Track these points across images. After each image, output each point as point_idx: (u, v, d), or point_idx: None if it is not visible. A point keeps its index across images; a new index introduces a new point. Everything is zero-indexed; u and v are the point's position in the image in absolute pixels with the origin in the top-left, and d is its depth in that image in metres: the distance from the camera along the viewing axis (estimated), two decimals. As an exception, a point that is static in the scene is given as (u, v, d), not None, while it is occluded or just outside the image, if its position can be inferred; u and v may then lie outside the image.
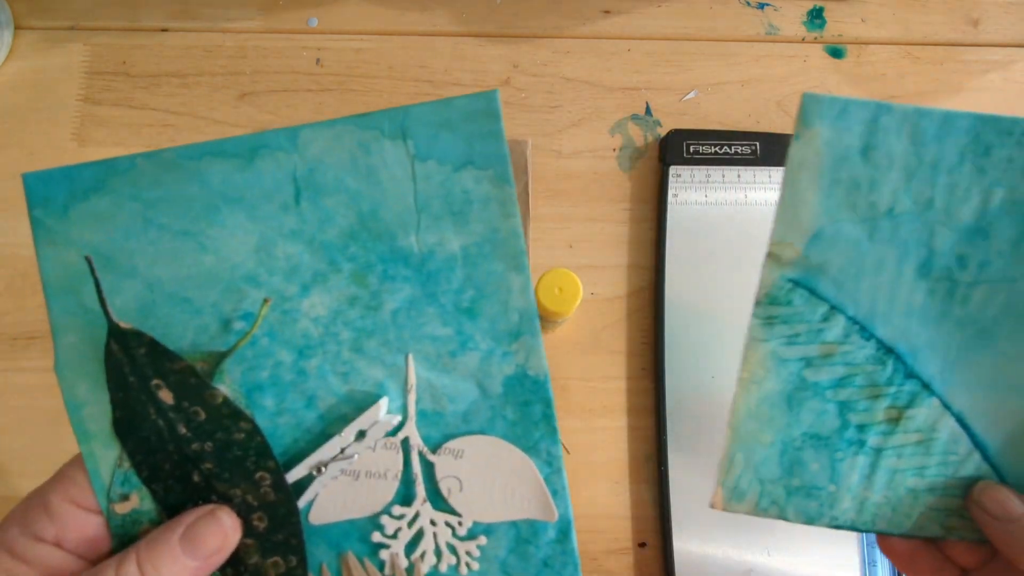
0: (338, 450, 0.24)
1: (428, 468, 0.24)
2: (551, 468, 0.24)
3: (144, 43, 0.51)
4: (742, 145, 0.47)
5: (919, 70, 0.51)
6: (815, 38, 0.51)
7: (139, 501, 0.23)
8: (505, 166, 0.23)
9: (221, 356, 0.23)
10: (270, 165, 0.22)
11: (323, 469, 0.24)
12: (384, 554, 0.24)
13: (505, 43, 0.51)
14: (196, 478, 0.23)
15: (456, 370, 0.24)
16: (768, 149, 0.47)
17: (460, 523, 0.24)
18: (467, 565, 0.24)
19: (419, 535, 0.24)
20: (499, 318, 0.23)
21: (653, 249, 0.47)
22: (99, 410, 0.23)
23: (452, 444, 0.24)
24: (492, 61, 0.50)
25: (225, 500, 0.23)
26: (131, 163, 0.22)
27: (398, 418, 0.24)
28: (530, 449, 0.24)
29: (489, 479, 0.24)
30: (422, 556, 0.24)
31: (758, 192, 0.46)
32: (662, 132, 0.49)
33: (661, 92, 0.50)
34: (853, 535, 0.42)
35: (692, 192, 0.47)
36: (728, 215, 0.46)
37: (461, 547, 0.24)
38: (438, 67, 0.50)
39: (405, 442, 0.24)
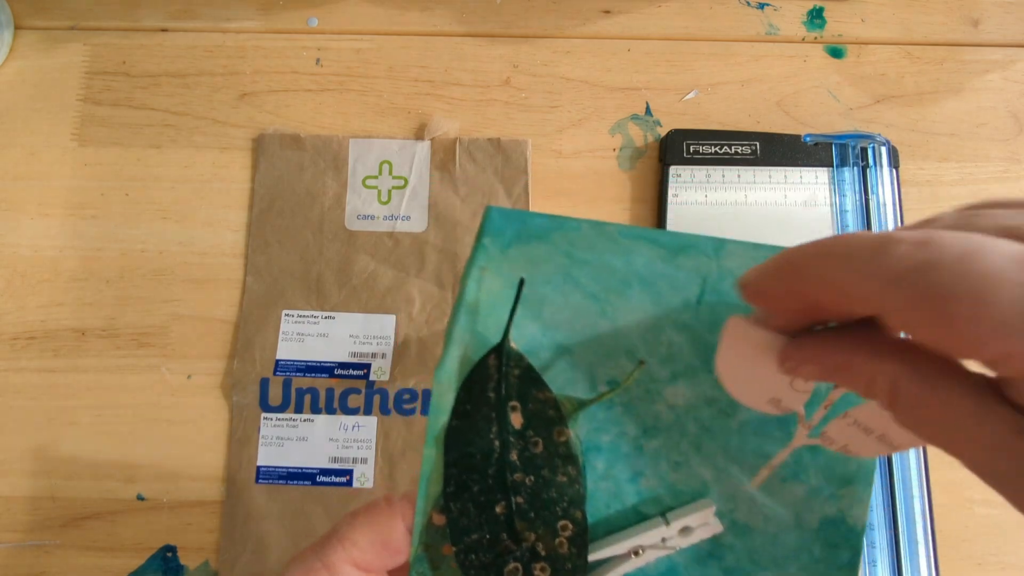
0: (659, 539, 0.24)
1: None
2: None
3: (144, 43, 0.51)
4: (742, 145, 0.47)
5: (919, 70, 0.51)
6: (815, 38, 0.51)
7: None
8: None
9: (583, 403, 0.24)
10: (690, 263, 0.24)
11: (640, 552, 0.24)
12: None
13: (505, 43, 0.51)
14: (499, 509, 0.24)
15: (781, 495, 0.25)
16: (768, 149, 0.47)
17: None
18: None
19: None
20: (837, 463, 0.24)
21: (653, 249, 0.47)
22: (445, 420, 0.24)
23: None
24: (492, 61, 0.50)
25: (515, 542, 0.24)
26: (577, 225, 0.24)
27: (721, 528, 0.24)
28: None
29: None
30: None
31: (758, 192, 0.46)
32: (662, 132, 0.49)
33: (661, 92, 0.50)
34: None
35: (692, 192, 0.47)
36: (728, 215, 0.46)
37: None
38: (438, 67, 0.50)
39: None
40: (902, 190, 0.47)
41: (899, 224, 0.46)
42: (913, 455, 0.43)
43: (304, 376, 0.45)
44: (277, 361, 0.45)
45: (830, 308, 0.18)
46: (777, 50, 0.51)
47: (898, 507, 0.42)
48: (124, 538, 0.44)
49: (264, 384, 0.45)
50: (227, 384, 0.45)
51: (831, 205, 0.47)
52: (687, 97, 0.50)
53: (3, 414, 0.45)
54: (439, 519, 0.24)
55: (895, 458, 0.43)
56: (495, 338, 0.24)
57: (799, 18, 0.52)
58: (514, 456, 0.24)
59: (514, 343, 0.24)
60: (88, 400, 0.45)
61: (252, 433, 0.44)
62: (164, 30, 0.51)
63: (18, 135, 0.49)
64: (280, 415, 0.45)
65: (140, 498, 0.44)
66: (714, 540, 0.25)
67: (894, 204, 0.47)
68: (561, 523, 0.24)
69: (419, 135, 0.49)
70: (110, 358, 0.46)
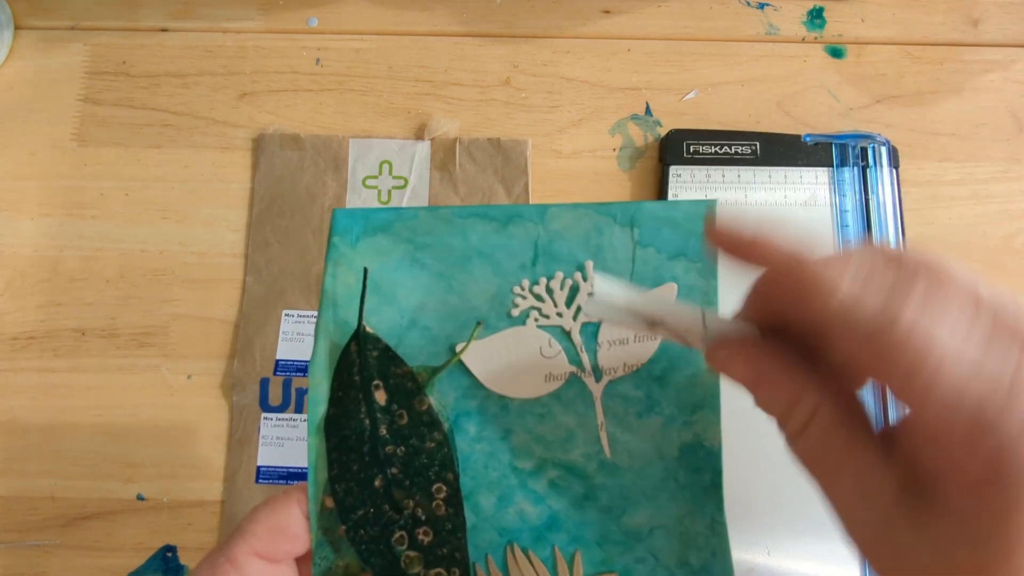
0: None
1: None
2: (713, 533, 0.26)
3: (144, 43, 0.51)
4: (742, 145, 0.47)
5: (919, 70, 0.51)
6: (815, 38, 0.51)
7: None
8: (714, 263, 0.26)
9: (435, 370, 0.26)
10: (520, 231, 0.26)
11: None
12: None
13: (505, 43, 0.51)
14: (377, 483, 0.26)
15: (640, 430, 0.26)
16: (768, 149, 0.47)
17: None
18: None
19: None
20: (685, 390, 0.26)
21: (653, 249, 0.47)
22: (324, 409, 0.26)
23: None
24: (492, 61, 0.50)
25: (396, 511, 0.25)
26: (414, 214, 0.26)
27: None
28: (696, 512, 0.26)
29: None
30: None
31: (758, 192, 0.46)
32: (662, 132, 0.49)
33: (661, 92, 0.50)
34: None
35: (692, 192, 0.47)
36: (728, 215, 0.46)
37: None
38: (438, 67, 0.50)
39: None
40: (902, 190, 0.47)
41: (900, 225, 0.47)
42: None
43: (304, 376, 0.45)
44: (277, 361, 0.45)
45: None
46: (777, 50, 0.51)
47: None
48: (124, 538, 0.44)
49: (264, 384, 0.45)
50: (227, 384, 0.45)
51: (831, 205, 0.47)
52: (687, 97, 0.50)
53: (3, 414, 0.45)
54: (330, 503, 0.25)
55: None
56: (356, 325, 0.26)
57: (799, 18, 0.52)
58: (383, 431, 0.26)
59: (369, 327, 0.26)
60: (88, 400, 0.45)
61: (252, 433, 0.44)
62: (164, 30, 0.51)
63: (18, 135, 0.49)
64: (280, 415, 0.45)
65: (140, 498, 0.44)
66: (588, 483, 0.26)
67: (894, 204, 0.47)
68: (435, 486, 0.26)
69: (419, 135, 0.49)
70: (110, 358, 0.46)
